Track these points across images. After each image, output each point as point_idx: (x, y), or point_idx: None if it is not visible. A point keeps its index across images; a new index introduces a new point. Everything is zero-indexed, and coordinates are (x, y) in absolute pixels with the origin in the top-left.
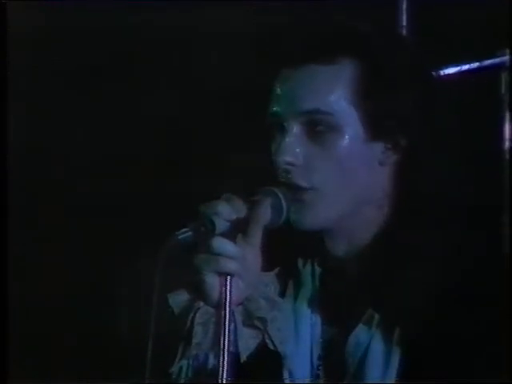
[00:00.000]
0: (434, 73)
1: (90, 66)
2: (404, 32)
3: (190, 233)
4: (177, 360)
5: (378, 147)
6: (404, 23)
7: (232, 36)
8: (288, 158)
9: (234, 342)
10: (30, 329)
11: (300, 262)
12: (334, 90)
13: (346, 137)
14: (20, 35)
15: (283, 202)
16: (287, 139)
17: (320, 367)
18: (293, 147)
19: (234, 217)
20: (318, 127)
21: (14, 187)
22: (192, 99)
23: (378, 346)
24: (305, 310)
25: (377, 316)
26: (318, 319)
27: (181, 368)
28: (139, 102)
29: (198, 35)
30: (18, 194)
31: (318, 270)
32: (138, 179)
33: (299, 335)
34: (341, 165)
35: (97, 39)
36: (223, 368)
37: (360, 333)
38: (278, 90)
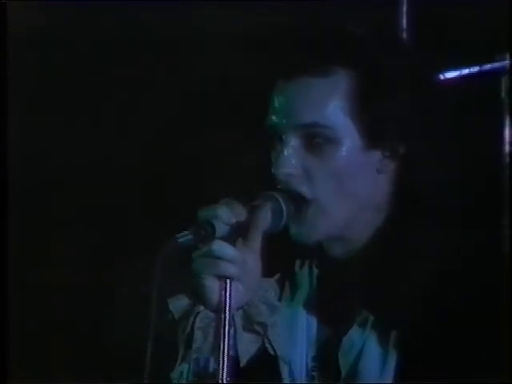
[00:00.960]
0: (431, 79)
1: (90, 66)
2: (403, 37)
3: (189, 236)
4: (177, 364)
5: (376, 156)
6: (403, 28)
7: (231, 47)
8: (287, 170)
9: (234, 347)
10: (30, 329)
11: (297, 264)
12: (331, 103)
13: (345, 148)
14: (20, 35)
15: (283, 206)
16: (286, 152)
17: (315, 368)
18: (291, 160)
19: (233, 221)
20: (316, 139)
21: (14, 187)
22: (193, 103)
23: (372, 348)
24: (301, 311)
25: (371, 318)
26: (313, 320)
27: (181, 372)
28: (139, 104)
29: (197, 41)
30: (18, 194)
31: (314, 271)
32: (139, 182)
33: (295, 336)
34: (339, 175)
35: (97, 39)
36: (223, 372)
37: (354, 334)
38: (276, 103)
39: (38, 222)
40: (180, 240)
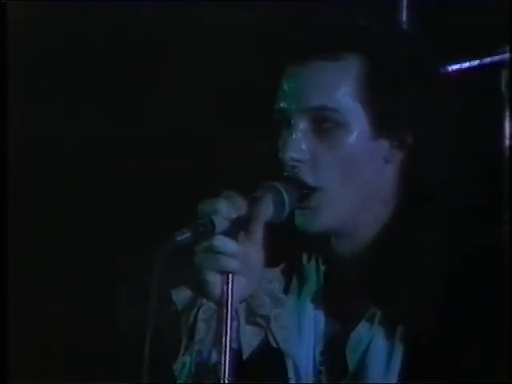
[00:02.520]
0: (440, 69)
1: (90, 66)
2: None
3: (188, 234)
4: (180, 356)
5: (384, 144)
6: (404, 21)
7: (238, 32)
8: (294, 155)
9: (237, 339)
10: (30, 329)
11: (305, 257)
12: (341, 87)
13: (353, 134)
14: (20, 35)
15: (285, 196)
16: (294, 135)
17: (322, 363)
18: (299, 144)
19: (233, 215)
20: (325, 124)
21: (14, 187)
22: (194, 94)
23: (379, 344)
24: (308, 306)
25: (379, 313)
26: (321, 315)
27: (183, 364)
28: (139, 101)
29: (204, 30)
30: (18, 195)
31: (321, 267)
32: (139, 175)
33: (302, 330)
34: (347, 162)
35: (97, 39)
36: (225, 365)
37: (362, 329)
38: (285, 87)
39: (38, 222)
40: (179, 239)
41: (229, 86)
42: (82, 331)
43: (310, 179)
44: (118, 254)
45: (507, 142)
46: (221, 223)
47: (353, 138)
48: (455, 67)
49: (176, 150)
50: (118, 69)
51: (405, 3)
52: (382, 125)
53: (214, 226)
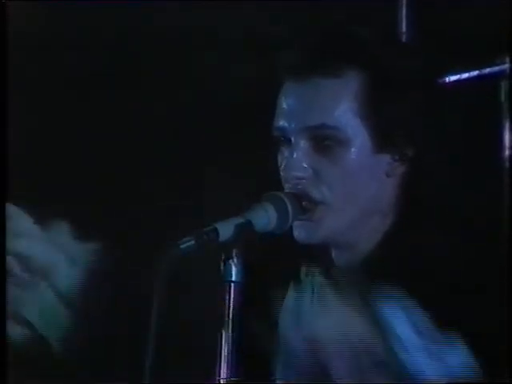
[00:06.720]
0: (440, 81)
1: (91, 67)
2: (404, 40)
3: (192, 242)
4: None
5: (386, 159)
6: (404, 32)
7: (236, 46)
8: (297, 173)
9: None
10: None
11: (303, 272)
12: (340, 104)
13: (354, 150)
14: (20, 35)
15: (289, 206)
16: (295, 154)
17: (316, 368)
18: (301, 162)
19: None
20: (326, 142)
21: (14, 188)
22: (195, 107)
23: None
24: (305, 317)
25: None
26: (318, 327)
27: None
28: (140, 102)
29: (201, 47)
30: (18, 195)
31: (319, 278)
32: (139, 186)
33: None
34: (349, 178)
35: (97, 39)
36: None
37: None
38: (284, 104)
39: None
40: (182, 246)
41: (234, 100)
42: (83, 333)
43: (313, 193)
44: (120, 263)
45: (507, 153)
46: (225, 231)
47: (354, 153)
48: (455, 78)
49: (178, 161)
50: (119, 69)
51: (403, 14)
52: (383, 139)
53: (217, 234)
